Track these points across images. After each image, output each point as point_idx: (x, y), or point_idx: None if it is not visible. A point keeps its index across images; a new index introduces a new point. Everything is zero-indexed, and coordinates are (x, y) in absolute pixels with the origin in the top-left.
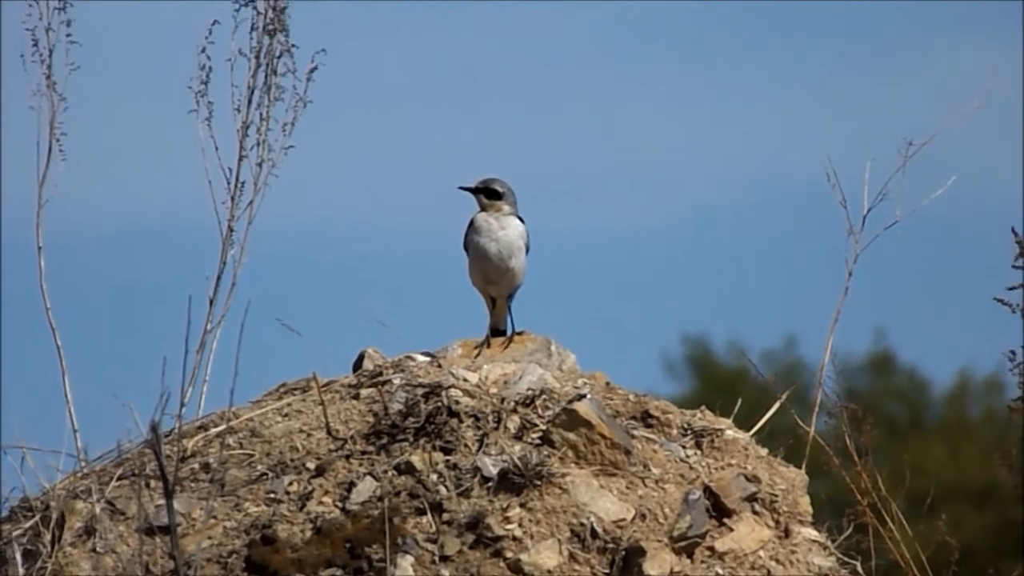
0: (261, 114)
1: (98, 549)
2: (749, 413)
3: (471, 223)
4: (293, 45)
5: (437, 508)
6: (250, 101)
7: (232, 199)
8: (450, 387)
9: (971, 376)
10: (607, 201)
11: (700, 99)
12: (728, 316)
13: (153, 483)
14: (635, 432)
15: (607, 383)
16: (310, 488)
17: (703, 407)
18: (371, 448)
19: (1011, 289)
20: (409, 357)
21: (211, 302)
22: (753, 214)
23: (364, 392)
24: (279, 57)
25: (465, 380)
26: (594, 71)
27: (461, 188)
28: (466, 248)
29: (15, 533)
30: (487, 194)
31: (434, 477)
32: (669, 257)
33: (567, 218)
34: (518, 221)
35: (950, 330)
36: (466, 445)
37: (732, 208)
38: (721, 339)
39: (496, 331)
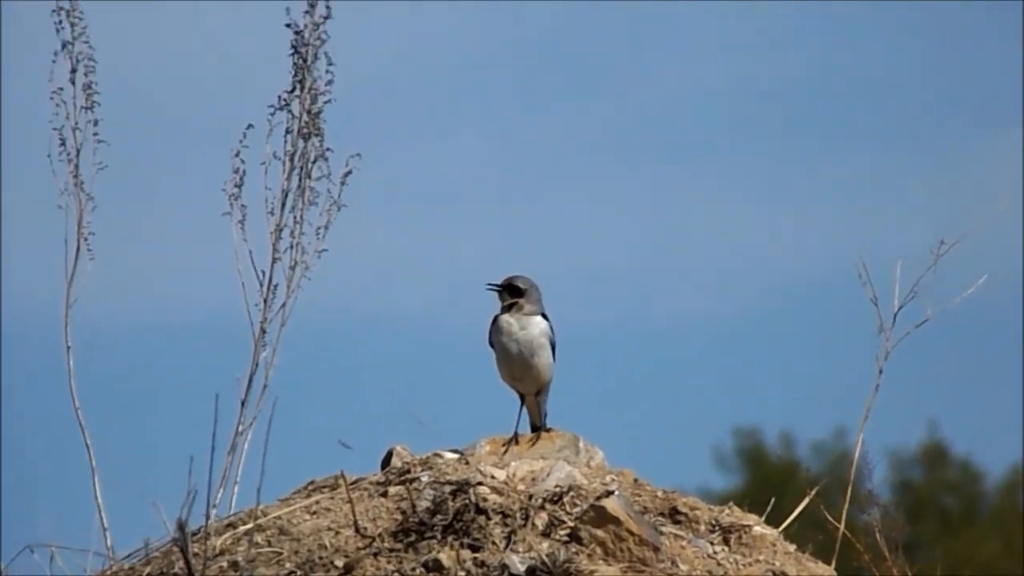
0: (295, 217)
1: None
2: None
3: (494, 322)
4: (328, 149)
5: None
6: (284, 204)
7: (265, 301)
8: (478, 484)
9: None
10: (647, 294)
11: (739, 194)
12: (779, 410)
13: None
14: (663, 528)
15: (635, 480)
16: None
17: (731, 503)
18: (399, 546)
19: None
20: (437, 454)
21: (243, 403)
22: (797, 308)
23: (392, 490)
24: (314, 161)
25: (493, 477)
26: (632, 165)
27: (488, 287)
28: (491, 346)
29: None
30: (510, 291)
31: (462, 575)
32: (715, 350)
33: (605, 312)
34: (540, 319)
35: (1003, 422)
36: (494, 542)
37: (779, 300)
38: (772, 432)
39: (534, 427)
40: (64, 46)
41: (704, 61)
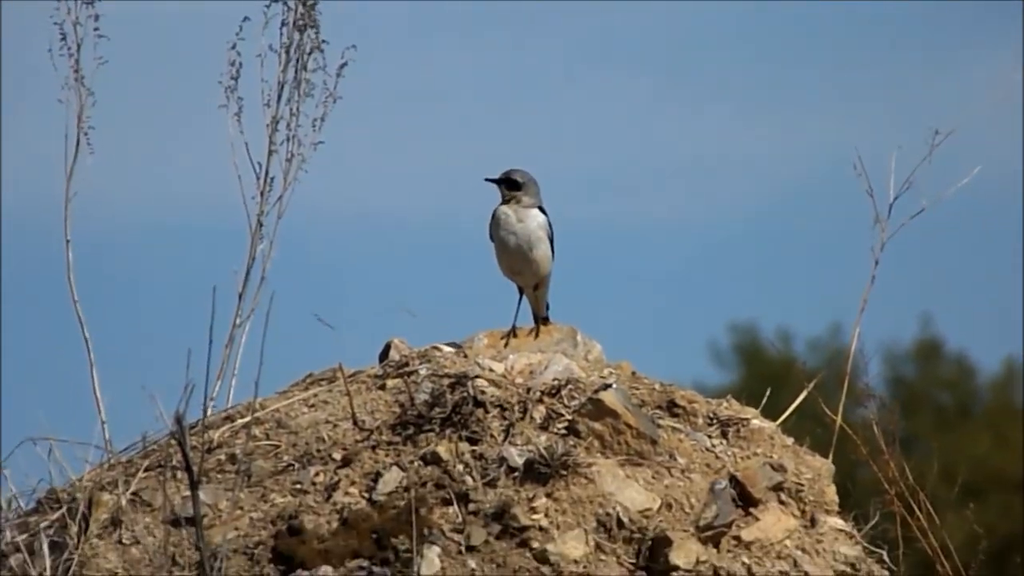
0: (291, 109)
1: (124, 541)
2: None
3: (493, 216)
4: (323, 41)
5: (463, 499)
6: (280, 97)
7: (261, 194)
8: (476, 377)
9: (1016, 364)
10: (647, 195)
11: (735, 95)
12: (775, 305)
13: (179, 474)
14: (661, 422)
15: (633, 373)
16: (336, 479)
17: (728, 396)
18: (397, 439)
19: None
20: (435, 347)
21: (240, 296)
22: (794, 204)
23: (390, 383)
24: (309, 53)
25: (491, 370)
26: (633, 75)
27: (487, 179)
28: (491, 239)
29: (42, 525)
30: (508, 185)
31: (460, 467)
32: (712, 248)
33: (606, 211)
34: (538, 211)
35: (996, 318)
36: (492, 435)
37: (775, 199)
38: (769, 328)
39: (536, 318)
40: None
41: None
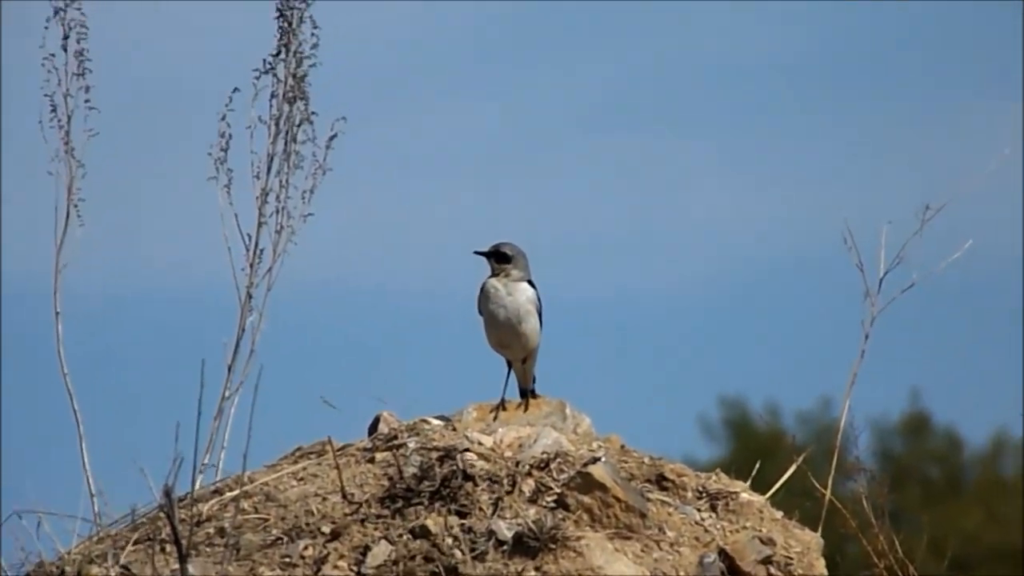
0: (281, 181)
1: None
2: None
3: (481, 289)
4: (313, 113)
5: (452, 572)
6: (269, 168)
7: (251, 266)
8: (465, 450)
9: (1006, 436)
10: (632, 265)
11: (727, 166)
12: (765, 379)
13: (168, 548)
14: (650, 495)
15: (622, 446)
16: (325, 552)
17: (717, 470)
18: (386, 512)
19: None
20: (424, 421)
21: (229, 369)
22: (785, 278)
23: (379, 456)
24: (299, 125)
25: (480, 443)
26: (623, 141)
27: (476, 252)
28: (480, 312)
29: None
30: (497, 258)
31: (449, 541)
32: (702, 321)
33: (595, 282)
34: (527, 285)
35: (986, 391)
36: (481, 508)
37: (765, 272)
38: (758, 402)
39: (523, 391)
40: (56, 12)
41: (690, 31)
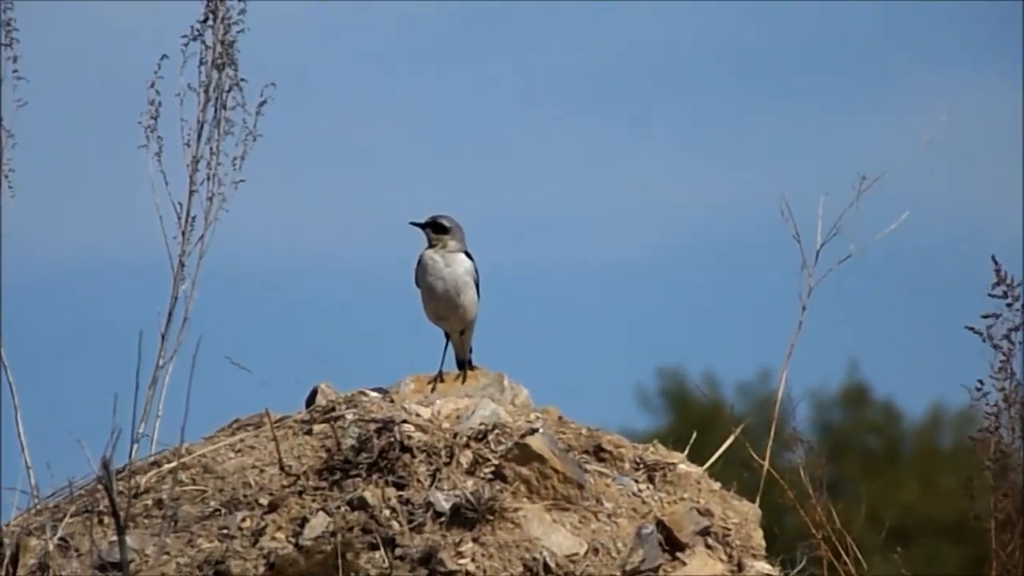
0: (211, 148)
1: None
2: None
3: (419, 261)
4: (242, 79)
5: (390, 543)
6: (200, 135)
7: (183, 234)
8: (403, 422)
9: (943, 408)
10: (571, 239)
11: (663, 139)
12: (703, 351)
13: (106, 519)
14: (588, 466)
15: (559, 417)
16: (263, 524)
17: (655, 441)
18: (324, 484)
19: (985, 317)
20: (362, 392)
21: (163, 337)
22: (723, 250)
23: (317, 428)
24: (228, 91)
25: (418, 415)
26: (558, 118)
27: (411, 223)
28: (417, 284)
29: None
30: (434, 228)
31: (387, 512)
32: (639, 293)
33: (534, 256)
34: (464, 257)
35: (923, 362)
36: (419, 480)
37: (702, 244)
38: (696, 373)
39: (460, 362)
40: None
41: (631, 12)
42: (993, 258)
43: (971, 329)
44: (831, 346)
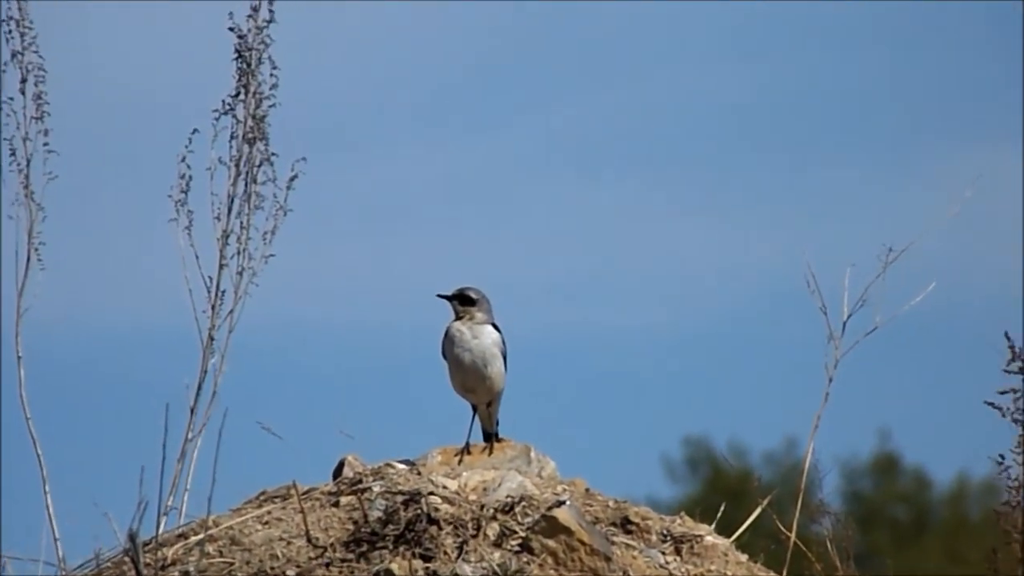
0: (241, 223)
1: None
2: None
3: (446, 333)
4: (273, 153)
5: None
6: (230, 210)
7: (212, 308)
8: (429, 494)
9: (969, 478)
10: (596, 306)
11: (691, 210)
12: (730, 419)
13: None
14: (615, 539)
15: (587, 489)
16: None
17: (682, 512)
18: (351, 556)
19: (1002, 393)
20: (389, 464)
21: (192, 411)
22: (750, 318)
23: (344, 500)
24: (259, 166)
25: (445, 487)
26: (583, 186)
27: (439, 296)
28: (444, 356)
29: None
30: (461, 301)
31: None
32: (665, 363)
33: (560, 322)
34: (492, 329)
35: (951, 432)
36: (445, 552)
37: (729, 312)
38: (722, 442)
39: (487, 435)
40: (14, 56)
41: (656, 75)
42: (1006, 334)
43: (991, 404)
44: (861, 415)
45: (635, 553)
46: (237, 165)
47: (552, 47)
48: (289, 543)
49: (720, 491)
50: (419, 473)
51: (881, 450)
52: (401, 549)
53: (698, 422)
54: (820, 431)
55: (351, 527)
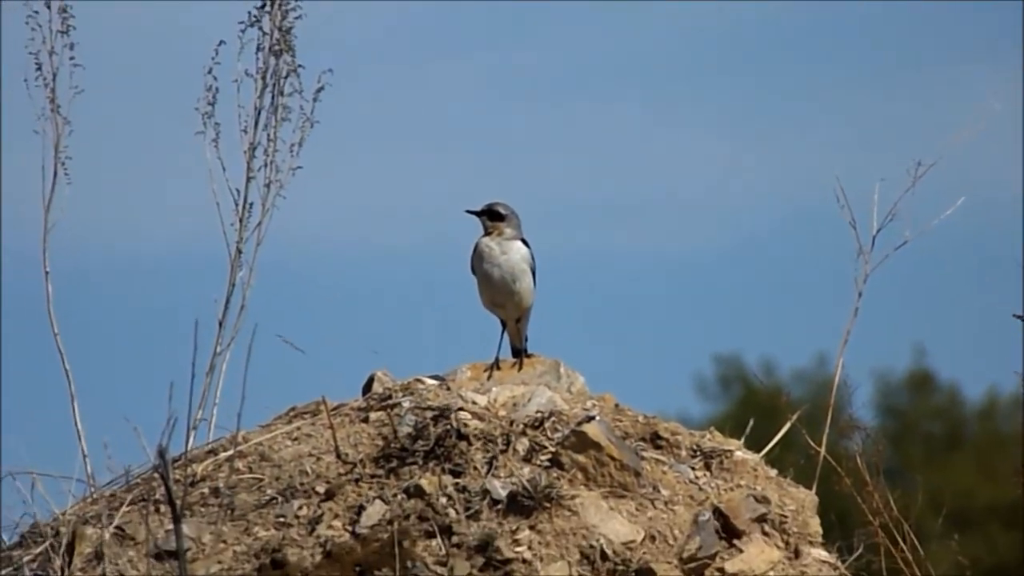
0: (268, 135)
1: (108, 574)
2: (790, 432)
3: (475, 248)
4: (299, 65)
5: (447, 531)
6: (257, 122)
7: (240, 220)
8: (459, 410)
9: (999, 394)
10: (625, 227)
11: (718, 127)
12: (761, 336)
13: (162, 508)
14: (644, 454)
15: (616, 405)
16: (320, 512)
17: (711, 428)
18: (380, 472)
19: None
20: (418, 380)
21: (220, 324)
22: (779, 236)
23: (373, 415)
24: (286, 77)
25: (474, 403)
26: (616, 105)
27: (467, 211)
28: (473, 272)
29: (26, 559)
30: (490, 216)
31: (443, 500)
32: (696, 279)
33: (589, 243)
34: (521, 244)
35: (984, 348)
36: (475, 468)
37: (760, 230)
38: (753, 359)
39: (515, 350)
40: None
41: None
42: None
43: (1018, 317)
44: (896, 330)
45: (665, 468)
46: (263, 77)
47: None
48: (319, 459)
49: (752, 408)
50: (448, 389)
51: (917, 366)
52: (431, 465)
53: (729, 340)
54: (854, 347)
55: (380, 443)
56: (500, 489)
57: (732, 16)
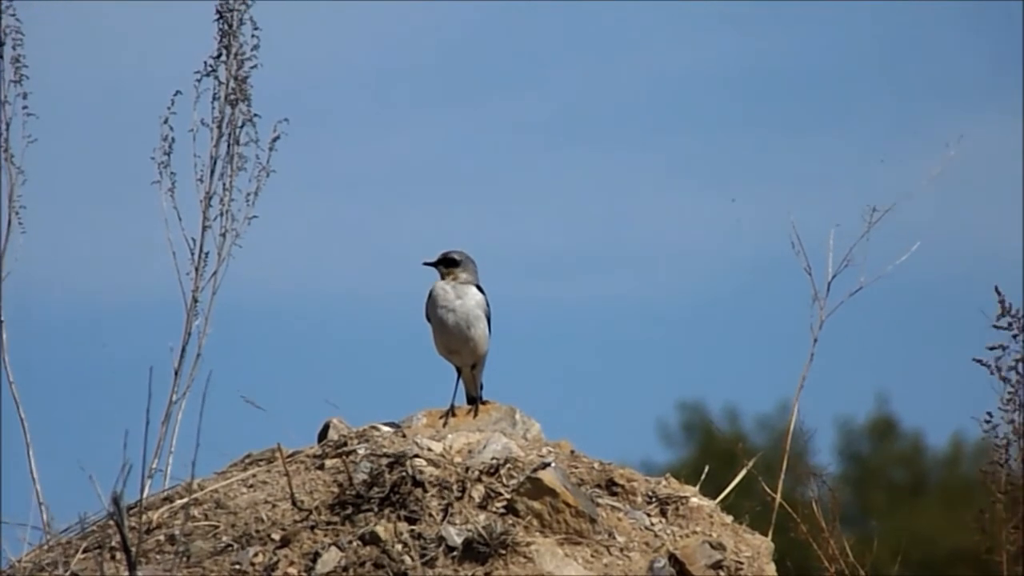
0: (224, 184)
1: None
2: (748, 479)
3: (430, 293)
4: (255, 115)
5: None
6: (213, 171)
7: (196, 269)
8: (414, 457)
9: (963, 440)
10: (583, 273)
11: (675, 174)
12: (724, 384)
13: (118, 555)
14: (600, 500)
15: (572, 451)
16: (275, 559)
17: (667, 474)
18: (336, 519)
19: (991, 349)
20: (374, 427)
21: (176, 373)
22: (740, 283)
23: (329, 463)
24: (241, 127)
25: (429, 450)
26: (574, 155)
27: (425, 263)
28: (428, 319)
29: None
30: (445, 264)
31: (399, 547)
32: (656, 326)
33: (547, 291)
34: (476, 290)
35: (945, 394)
36: (431, 515)
37: (718, 278)
38: (717, 406)
39: (471, 398)
40: None
41: (644, 46)
42: (996, 289)
43: (979, 361)
44: (859, 376)
45: (620, 515)
46: (219, 126)
47: (543, 16)
48: (274, 506)
49: (714, 455)
50: (404, 435)
51: (879, 413)
52: (386, 511)
53: (693, 387)
54: (817, 394)
55: (336, 490)
56: (456, 536)
57: (688, 64)
